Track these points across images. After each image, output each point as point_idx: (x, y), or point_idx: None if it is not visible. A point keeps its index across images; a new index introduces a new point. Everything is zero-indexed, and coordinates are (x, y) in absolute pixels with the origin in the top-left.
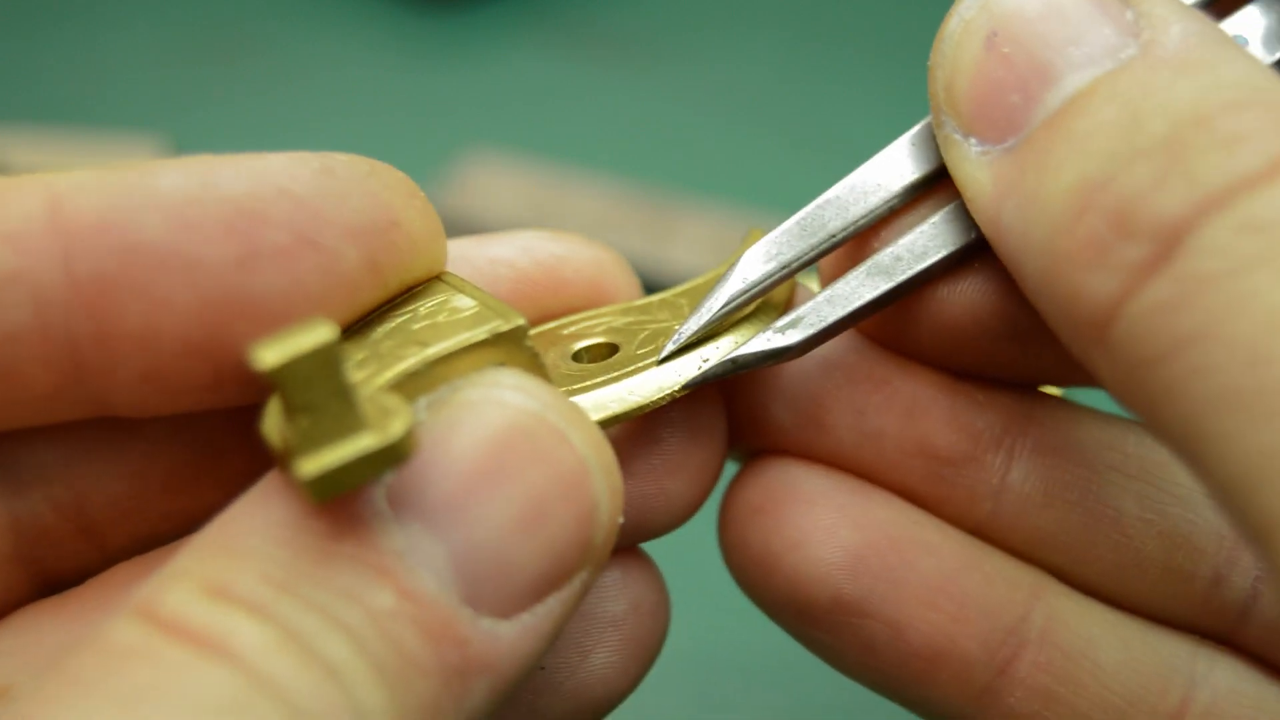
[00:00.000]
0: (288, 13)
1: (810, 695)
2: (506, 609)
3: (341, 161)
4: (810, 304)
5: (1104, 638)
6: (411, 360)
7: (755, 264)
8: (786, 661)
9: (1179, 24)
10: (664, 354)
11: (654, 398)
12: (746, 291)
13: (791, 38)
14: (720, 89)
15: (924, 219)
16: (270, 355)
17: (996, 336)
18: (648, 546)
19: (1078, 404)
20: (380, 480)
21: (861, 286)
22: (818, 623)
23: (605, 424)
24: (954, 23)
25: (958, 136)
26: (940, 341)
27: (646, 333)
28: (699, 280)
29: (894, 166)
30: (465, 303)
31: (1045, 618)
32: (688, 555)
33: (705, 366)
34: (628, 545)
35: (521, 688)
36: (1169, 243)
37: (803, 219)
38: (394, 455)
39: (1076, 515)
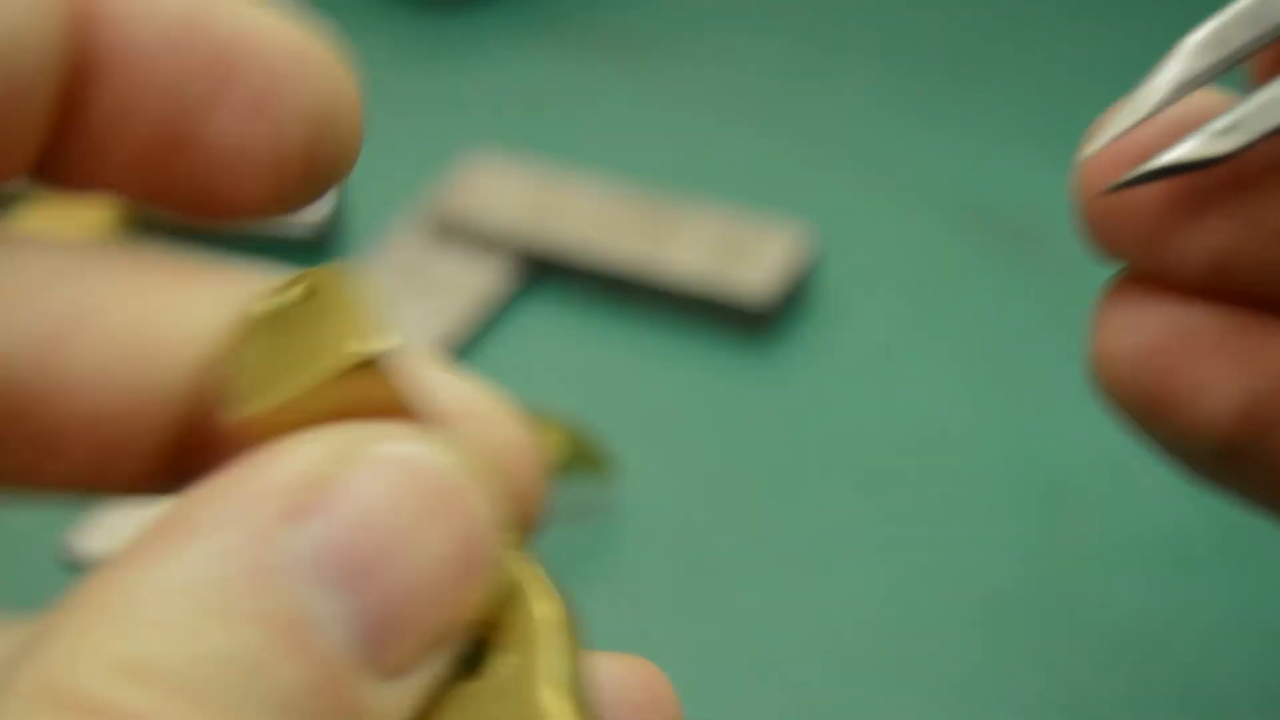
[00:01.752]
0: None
1: (810, 696)
2: (400, 669)
3: (315, 44)
4: (1253, 105)
5: None
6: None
7: (1198, 53)
8: (787, 662)
9: None
10: (1089, 152)
11: None
12: (1189, 85)
13: (792, 38)
14: (720, 89)
15: None
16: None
17: None
18: None
19: None
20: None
21: None
22: (1201, 460)
23: None
24: None
25: None
26: None
27: None
28: None
29: None
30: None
31: None
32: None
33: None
34: None
35: None
36: None
37: (1258, 3)
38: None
39: None
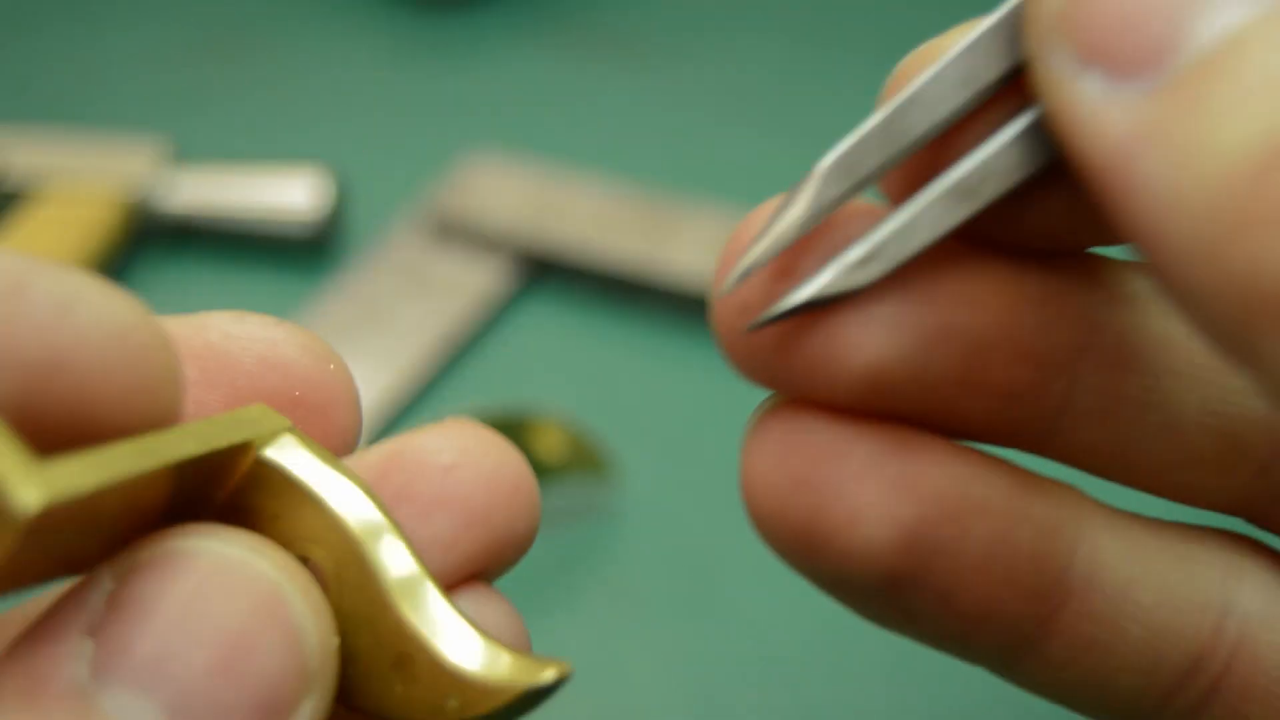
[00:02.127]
0: (288, 13)
1: (811, 696)
2: None
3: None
4: (887, 231)
5: (1144, 575)
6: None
7: (832, 179)
8: (787, 662)
9: None
10: (723, 290)
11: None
12: (822, 213)
13: (792, 38)
14: (720, 89)
15: (1002, 127)
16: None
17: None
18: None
19: (1135, 283)
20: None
21: (945, 211)
22: (861, 594)
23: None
24: None
25: (1071, 71)
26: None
27: None
28: None
29: (985, 54)
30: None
31: (1089, 563)
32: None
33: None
34: (465, 580)
35: None
36: None
37: (886, 122)
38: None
39: (1134, 426)
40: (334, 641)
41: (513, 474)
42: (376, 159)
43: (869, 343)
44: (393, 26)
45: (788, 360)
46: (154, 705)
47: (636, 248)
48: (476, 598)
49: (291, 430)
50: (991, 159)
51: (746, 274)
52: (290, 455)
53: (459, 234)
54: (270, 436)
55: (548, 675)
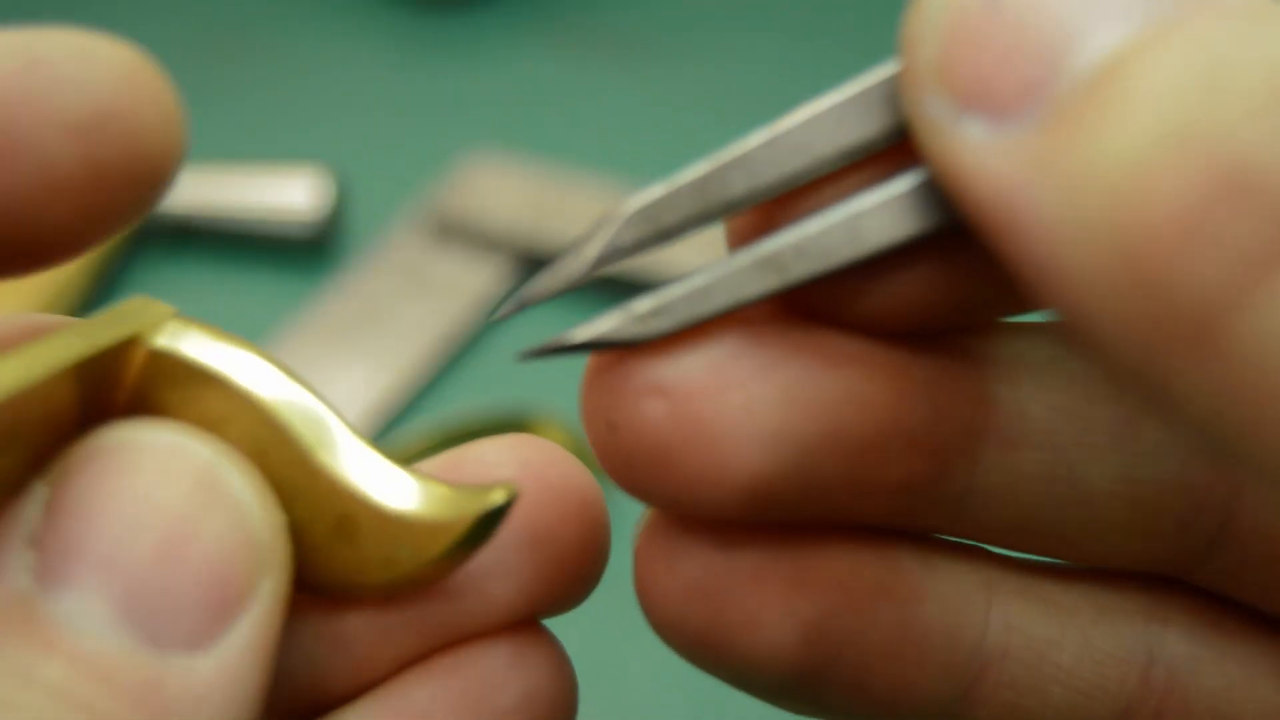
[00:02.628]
0: (288, 13)
1: None
2: (193, 641)
3: (52, 45)
4: (683, 289)
5: (1062, 636)
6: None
7: (632, 225)
8: None
9: None
10: (497, 315)
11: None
12: (614, 256)
13: (791, 38)
14: (720, 89)
15: (842, 202)
16: None
17: (944, 321)
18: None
19: (1033, 353)
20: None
21: (747, 281)
22: (771, 692)
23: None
24: None
25: (948, 117)
26: (871, 324)
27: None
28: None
29: (833, 124)
30: None
31: (1004, 630)
32: None
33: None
34: (522, 619)
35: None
36: None
37: (702, 178)
38: None
39: (1042, 501)
40: (281, 517)
41: (581, 491)
42: (376, 159)
43: (748, 458)
44: (393, 26)
45: (664, 478)
46: (102, 600)
47: None
48: (519, 644)
49: (177, 316)
50: (813, 237)
51: (520, 306)
52: (182, 340)
53: (459, 234)
54: (155, 325)
55: (496, 497)
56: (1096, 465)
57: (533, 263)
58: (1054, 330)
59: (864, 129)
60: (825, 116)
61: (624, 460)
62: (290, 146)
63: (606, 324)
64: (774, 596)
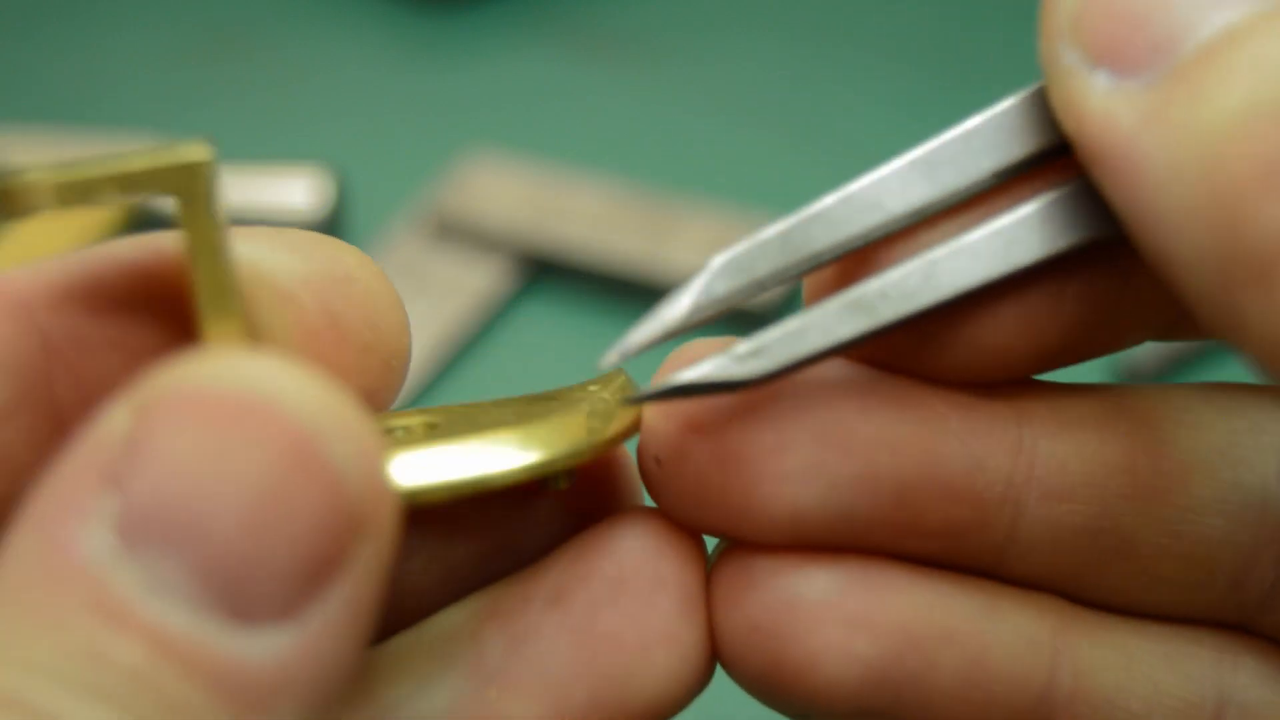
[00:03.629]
0: (288, 13)
1: None
2: (282, 611)
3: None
4: (779, 331)
5: (1131, 682)
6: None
7: (722, 276)
8: None
9: None
10: (604, 362)
11: (578, 443)
12: (708, 307)
13: (792, 37)
14: (720, 89)
15: (926, 251)
16: None
17: (1030, 366)
18: None
19: (1076, 408)
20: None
21: (839, 322)
22: None
23: (493, 485)
24: None
25: (1083, 69)
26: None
27: (498, 413)
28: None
29: (899, 184)
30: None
31: (1071, 675)
32: None
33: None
34: None
35: (347, 685)
36: None
37: (786, 231)
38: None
39: (1089, 552)
40: (384, 473)
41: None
42: (376, 159)
43: (785, 491)
44: (393, 26)
45: (707, 510)
46: (183, 569)
47: (636, 248)
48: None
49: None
50: (894, 281)
51: (623, 357)
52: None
53: (459, 234)
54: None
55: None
56: (1141, 519)
57: (533, 262)
58: (1093, 392)
59: (926, 190)
60: (889, 178)
61: (670, 493)
62: (290, 146)
63: (709, 366)
64: (836, 637)
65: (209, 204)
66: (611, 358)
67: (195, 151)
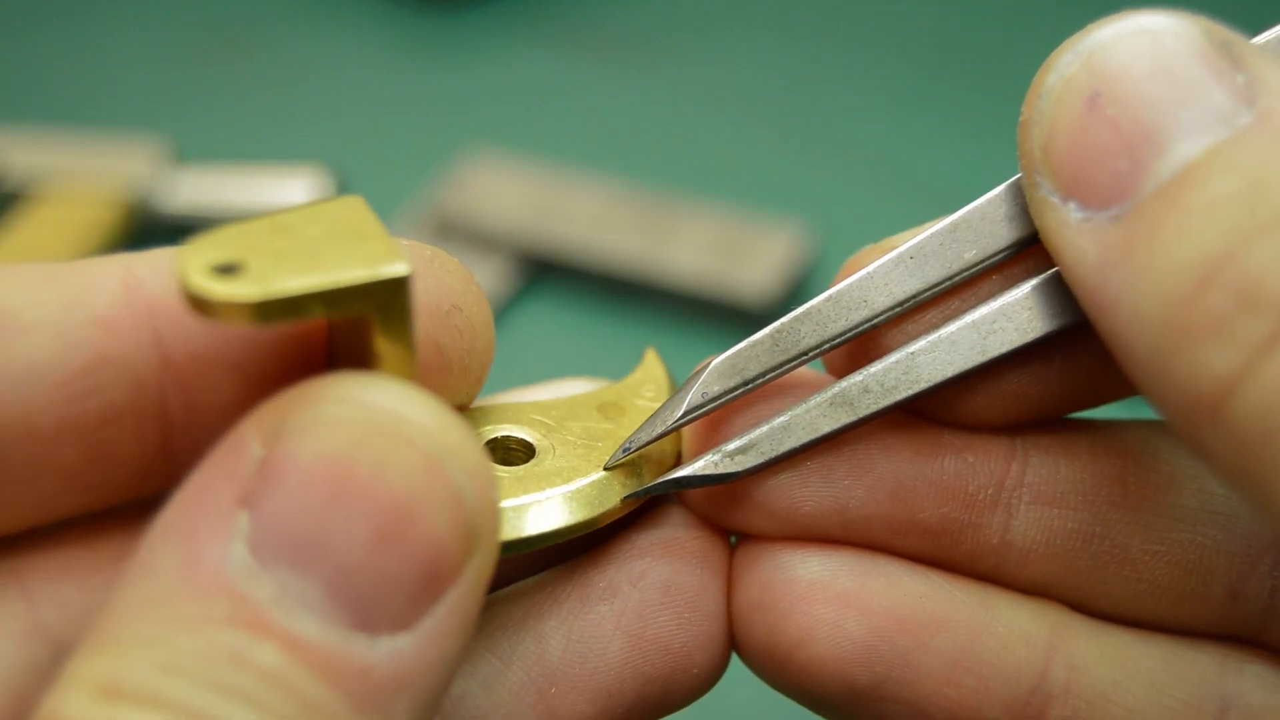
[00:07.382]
0: (288, 13)
1: None
2: (401, 621)
3: (407, 247)
4: (766, 429)
5: (1128, 679)
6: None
7: (718, 377)
8: None
9: None
10: (610, 463)
11: (594, 513)
12: (705, 406)
13: (792, 37)
14: (720, 89)
15: (907, 344)
16: None
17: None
18: None
19: (1069, 431)
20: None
21: (822, 417)
22: (834, 708)
23: (540, 541)
24: (1052, 79)
25: (1055, 200)
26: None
27: (573, 435)
28: (617, 385)
29: (885, 281)
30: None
31: (1066, 669)
32: None
33: (646, 484)
34: None
35: (449, 688)
36: None
37: (776, 332)
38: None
39: (1083, 558)
40: (495, 493)
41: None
42: (376, 159)
43: (782, 484)
44: (393, 26)
45: (731, 507)
46: (316, 583)
47: (636, 247)
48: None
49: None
50: (876, 375)
51: (630, 452)
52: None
53: (459, 233)
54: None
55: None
56: (1132, 526)
57: (533, 262)
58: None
59: (911, 284)
60: (875, 275)
61: (693, 493)
62: (290, 146)
63: (703, 462)
64: (826, 613)
65: (406, 314)
66: (618, 459)
67: (397, 268)
